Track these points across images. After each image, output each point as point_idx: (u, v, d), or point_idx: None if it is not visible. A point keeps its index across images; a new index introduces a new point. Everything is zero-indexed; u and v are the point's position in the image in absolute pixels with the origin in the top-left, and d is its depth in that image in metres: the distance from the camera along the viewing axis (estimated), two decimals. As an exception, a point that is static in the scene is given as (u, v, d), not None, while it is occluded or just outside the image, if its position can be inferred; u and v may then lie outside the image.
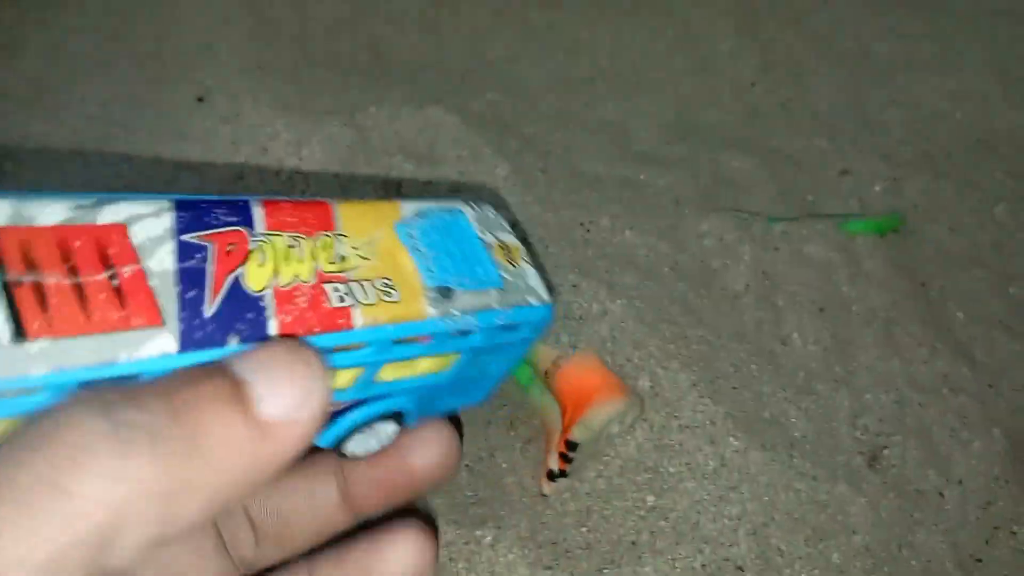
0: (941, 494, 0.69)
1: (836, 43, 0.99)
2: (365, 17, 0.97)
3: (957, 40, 1.00)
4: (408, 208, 0.39)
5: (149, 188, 0.77)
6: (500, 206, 0.73)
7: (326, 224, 0.35)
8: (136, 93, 0.85)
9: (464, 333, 0.37)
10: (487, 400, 0.48)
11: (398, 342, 0.34)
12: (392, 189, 0.73)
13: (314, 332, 0.31)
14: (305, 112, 0.78)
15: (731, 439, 0.65)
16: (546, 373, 0.66)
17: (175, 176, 0.77)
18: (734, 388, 0.69)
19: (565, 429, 0.62)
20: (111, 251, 0.28)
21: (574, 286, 0.68)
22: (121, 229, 0.28)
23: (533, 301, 0.41)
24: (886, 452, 0.70)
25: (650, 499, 0.65)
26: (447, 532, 0.62)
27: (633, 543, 0.63)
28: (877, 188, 0.89)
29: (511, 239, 0.44)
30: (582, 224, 0.74)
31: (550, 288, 0.44)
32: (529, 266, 0.43)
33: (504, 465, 0.67)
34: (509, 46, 0.96)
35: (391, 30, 0.97)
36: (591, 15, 1.01)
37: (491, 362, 0.43)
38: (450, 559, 0.61)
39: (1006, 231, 0.87)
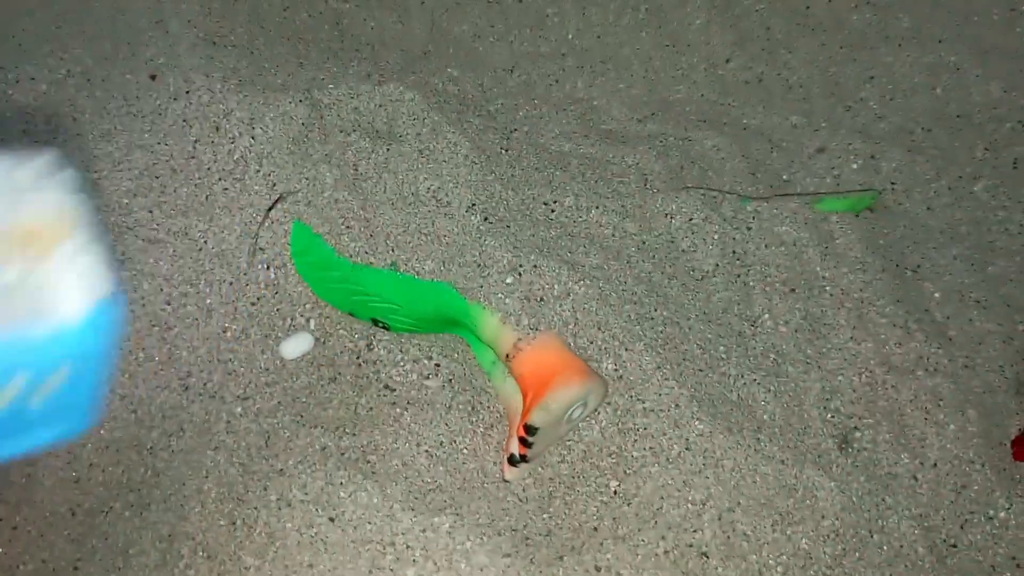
0: (914, 477, 0.67)
1: (811, 15, 0.97)
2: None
3: (934, 12, 0.97)
4: None
5: (99, 168, 0.74)
6: (463, 183, 0.70)
7: None
8: (87, 71, 0.82)
9: None
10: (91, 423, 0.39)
11: None
12: (348, 167, 0.70)
13: None
14: (259, 88, 0.75)
15: (696, 422, 0.63)
16: (507, 356, 0.64)
17: (127, 155, 0.74)
18: (700, 370, 0.67)
19: (525, 413, 0.60)
20: None
21: (535, 267, 0.66)
22: None
23: (69, 305, 0.31)
24: (857, 435, 0.68)
25: (613, 484, 0.63)
26: (403, 519, 0.60)
27: (595, 529, 0.61)
28: (853, 166, 0.87)
29: (53, 215, 0.31)
30: (546, 203, 0.72)
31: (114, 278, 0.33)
32: (76, 253, 0.31)
33: (465, 451, 0.65)
34: (474, 22, 0.93)
35: (352, 5, 0.94)
36: (561, -11, 0.98)
37: (74, 388, 0.35)
38: (407, 546, 0.60)
39: (985, 208, 0.85)
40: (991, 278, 0.81)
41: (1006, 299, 0.80)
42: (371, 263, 0.66)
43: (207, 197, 0.71)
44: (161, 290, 0.69)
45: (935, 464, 0.69)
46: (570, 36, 0.95)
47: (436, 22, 0.94)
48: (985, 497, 0.68)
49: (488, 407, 0.67)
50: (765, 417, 0.66)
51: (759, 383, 0.68)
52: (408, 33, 0.93)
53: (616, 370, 0.64)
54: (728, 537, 0.61)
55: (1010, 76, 0.93)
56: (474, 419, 0.66)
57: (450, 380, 0.68)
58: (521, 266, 0.66)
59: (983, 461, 0.69)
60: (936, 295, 0.79)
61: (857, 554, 0.63)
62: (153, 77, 0.79)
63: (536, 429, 0.60)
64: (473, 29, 0.94)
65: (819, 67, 0.96)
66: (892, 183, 0.87)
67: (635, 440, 0.63)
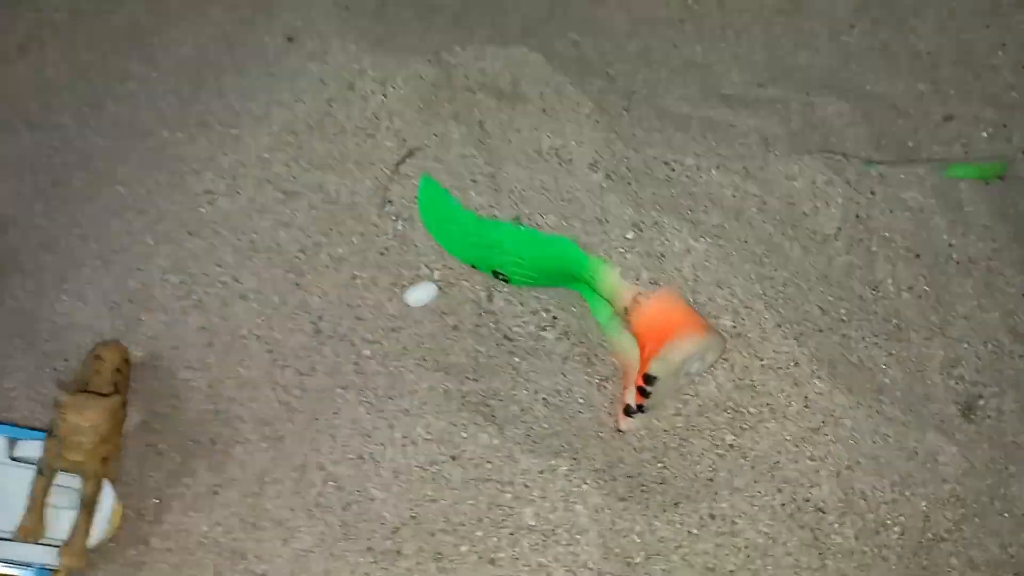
0: (1041, 448, 0.66)
1: (942, -18, 0.94)
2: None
3: (1077, -22, 0.93)
4: None
5: (240, 125, 0.78)
6: (585, 141, 0.72)
7: None
8: (227, 34, 0.87)
9: None
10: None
11: None
12: (474, 124, 0.73)
13: None
14: (390, 50, 0.78)
15: (816, 381, 0.63)
16: (625, 310, 0.65)
17: (266, 113, 0.78)
18: (820, 331, 0.67)
19: (644, 363, 0.62)
20: None
21: (656, 223, 0.67)
22: None
23: None
24: (981, 403, 0.67)
25: (729, 438, 0.64)
26: (521, 460, 0.62)
27: (710, 480, 0.62)
28: (983, 134, 0.85)
29: None
30: (666, 163, 0.73)
31: None
32: None
33: (581, 400, 0.67)
34: (595, -12, 0.94)
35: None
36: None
37: None
38: (525, 486, 0.62)
39: (1123, 179, 0.81)
40: None
41: None
42: (495, 216, 0.68)
43: (341, 152, 0.75)
44: (296, 239, 0.73)
45: (1065, 436, 0.67)
46: (689, 2, 0.95)
47: (556, -11, 0.95)
48: (1118, 472, 0.65)
49: (603, 360, 0.69)
50: (886, 381, 0.66)
51: (880, 347, 0.68)
52: (529, 1, 0.95)
53: (735, 327, 0.65)
54: (845, 494, 0.61)
55: None
56: (589, 371, 0.68)
57: (567, 332, 0.70)
58: (642, 222, 0.67)
59: (1117, 436, 0.67)
60: (1070, 267, 0.76)
61: (977, 520, 0.62)
62: (290, 39, 0.83)
63: (655, 379, 0.61)
64: (592, -5, 0.95)
65: (948, 34, 0.93)
66: (1023, 152, 0.84)
67: (752, 396, 0.64)
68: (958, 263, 0.74)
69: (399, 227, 0.72)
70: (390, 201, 0.72)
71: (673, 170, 0.73)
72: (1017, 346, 0.70)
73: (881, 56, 0.92)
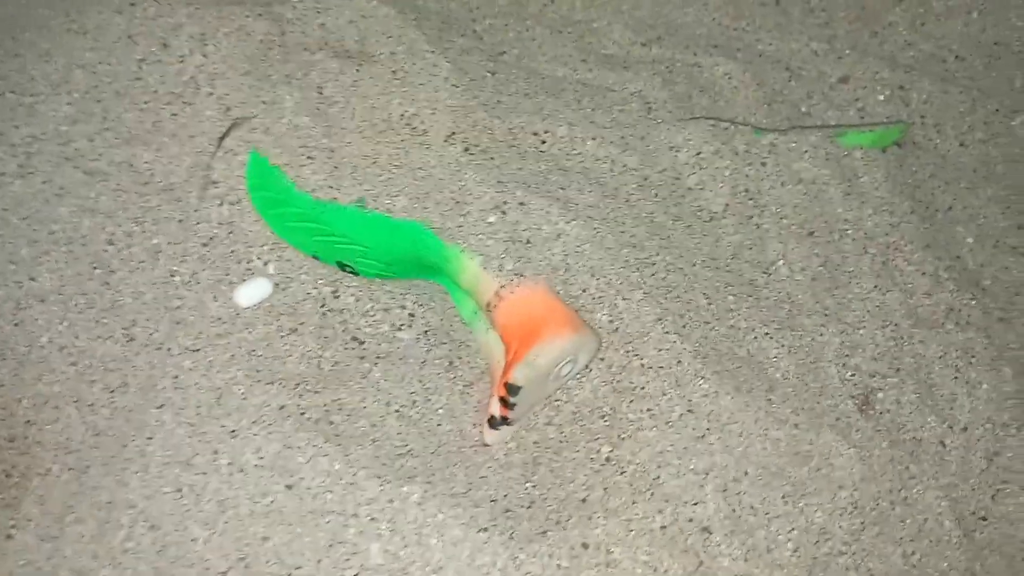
0: (942, 443, 0.61)
1: (837, -69, 0.87)
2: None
3: (973, -73, 0.88)
4: None
5: (38, 91, 0.66)
6: (442, 109, 0.62)
7: None
8: (25, -18, 0.74)
9: None
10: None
11: None
12: (311, 89, 0.62)
13: None
14: (213, 0, 0.67)
15: (700, 381, 0.56)
16: (488, 306, 0.56)
17: (66, 77, 0.66)
18: (706, 322, 0.59)
19: (506, 369, 0.53)
20: None
21: (522, 204, 0.58)
22: None
23: None
24: (879, 395, 0.61)
25: (605, 450, 0.56)
26: (368, 488, 0.53)
27: (583, 500, 0.54)
28: (880, 97, 0.79)
29: None
30: (536, 134, 0.64)
31: None
32: None
33: (441, 411, 0.59)
34: (464, -67, 0.84)
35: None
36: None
37: None
38: (372, 518, 0.53)
39: (1022, 145, 0.77)
40: (1029, 222, 0.74)
41: (1045, 246, 0.72)
42: (336, 199, 0.58)
43: (154, 123, 0.63)
44: (104, 228, 0.62)
45: (965, 428, 0.62)
46: (568, -50, 0.85)
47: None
48: (1020, 464, 0.61)
49: (468, 362, 0.60)
50: (778, 375, 0.59)
51: (771, 337, 0.61)
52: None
53: (611, 322, 0.57)
54: (733, 510, 0.54)
55: (1055, -1, 0.84)
56: (452, 375, 0.59)
57: (425, 332, 0.61)
58: (506, 203, 0.58)
59: (1019, 424, 0.62)
60: (969, 240, 0.72)
61: (877, 528, 0.57)
62: (97, -12, 0.70)
63: (518, 388, 0.53)
64: (461, -58, 0.84)
65: (844, -13, 0.86)
66: (922, 116, 0.79)
67: (631, 401, 0.56)
68: (854, 240, 0.68)
69: (225, 212, 0.61)
70: (214, 182, 0.61)
71: (544, 142, 0.64)
72: (916, 330, 0.64)
73: (774, 11, 0.85)
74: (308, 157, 0.59)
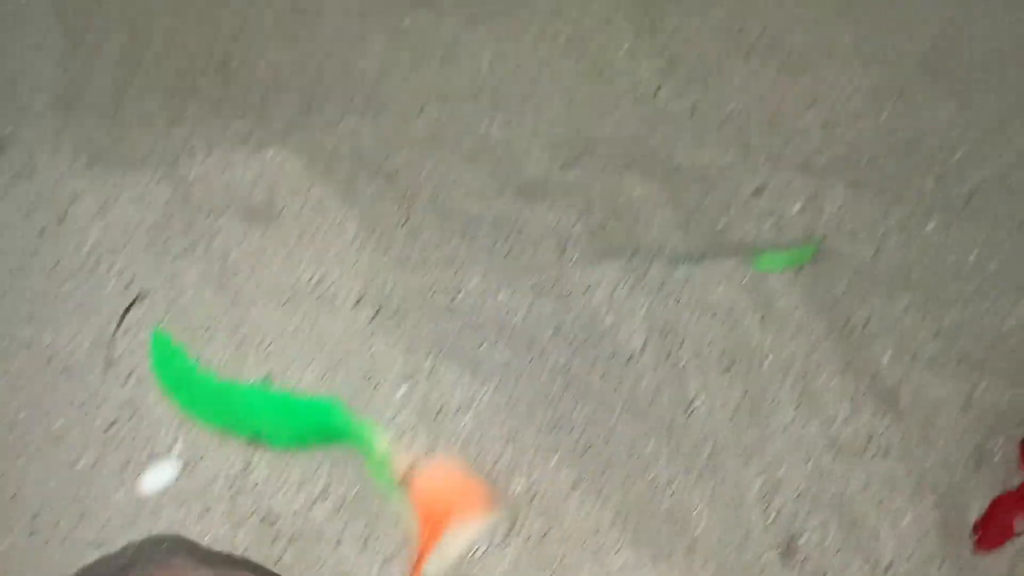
0: (866, 583, 0.61)
1: (745, 35, 0.88)
2: (210, 30, 0.83)
3: (878, 27, 0.89)
4: None
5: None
6: (349, 270, 0.61)
7: None
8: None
9: None
10: None
11: None
12: (215, 258, 0.61)
13: None
14: (115, 163, 0.66)
15: (619, 550, 0.56)
16: (401, 481, 0.55)
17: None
18: (626, 479, 0.59)
19: (418, 560, 0.52)
20: None
21: (432, 372, 0.58)
22: None
23: None
24: (802, 540, 0.61)
25: (528, 626, 0.55)
26: None
27: None
28: (795, 207, 0.79)
29: None
30: (446, 290, 0.63)
31: None
32: None
33: (359, 589, 0.57)
34: (377, 56, 0.83)
35: (243, 45, 0.84)
36: (470, 15, 0.88)
37: None
38: None
39: (937, 250, 0.78)
40: (945, 331, 0.74)
41: (961, 355, 0.73)
42: (240, 377, 0.57)
43: (54, 299, 0.62)
44: (3, 411, 0.60)
45: (890, 565, 0.62)
46: (483, 71, 0.85)
47: (336, 58, 0.84)
48: (945, 601, 0.61)
49: (386, 535, 0.59)
50: (699, 531, 0.59)
51: (692, 486, 0.61)
52: (303, 73, 0.83)
53: (528, 491, 0.57)
54: None
55: (960, 97, 0.86)
56: (368, 552, 0.58)
57: (341, 505, 0.59)
58: (416, 373, 0.57)
59: (942, 557, 0.62)
60: (887, 354, 0.72)
61: None
62: (-4, 150, 0.69)
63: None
64: (377, 65, 0.84)
65: (756, 94, 0.87)
66: (837, 224, 0.79)
67: (551, 574, 0.55)
68: (772, 368, 0.68)
69: (128, 393, 0.60)
70: (115, 360, 0.60)
71: (453, 298, 0.63)
72: (837, 462, 0.64)
73: (689, 121, 0.86)
74: (211, 334, 0.58)
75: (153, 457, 0.58)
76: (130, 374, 0.59)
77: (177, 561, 0.45)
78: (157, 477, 0.57)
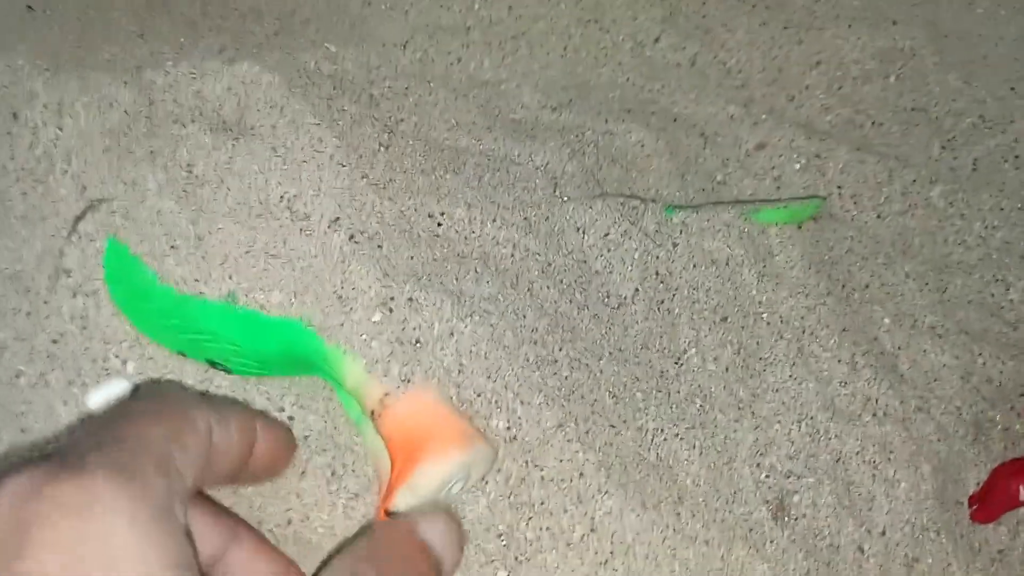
0: (860, 549, 0.57)
1: (753, -10, 0.85)
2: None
3: (889, -10, 0.86)
4: None
5: None
6: (326, 190, 0.57)
7: None
8: None
9: None
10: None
11: None
12: (179, 168, 0.56)
13: None
14: (74, 66, 0.60)
15: (604, 497, 0.52)
16: (373, 413, 0.51)
17: (-97, 147, 0.59)
18: (612, 426, 0.55)
19: (388, 491, 0.48)
20: None
21: (411, 300, 0.53)
22: None
23: None
24: (795, 499, 0.58)
25: (501, 574, 0.51)
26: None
27: (475, 637, 0.49)
28: (796, 166, 0.76)
29: None
30: (431, 215, 0.59)
31: None
32: None
33: (321, 530, 0.53)
34: (365, -14, 0.79)
35: (221, -38, 0.79)
36: (467, -50, 0.84)
37: None
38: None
39: (941, 217, 0.75)
40: (947, 300, 0.71)
41: (963, 325, 0.70)
42: (202, 293, 0.52)
43: (2, 202, 0.57)
44: (-61, 322, 0.55)
45: (884, 532, 0.59)
46: (476, 7, 0.81)
47: (318, -15, 0.79)
48: (939, 571, 0.58)
49: (353, 470, 0.55)
50: (688, 482, 0.55)
51: (682, 438, 0.57)
52: (286, 2, 0.78)
53: (509, 429, 0.52)
54: (639, 642, 0.49)
55: (970, 64, 0.83)
56: (334, 487, 0.54)
57: (306, 436, 0.55)
58: (393, 299, 0.53)
59: (938, 527, 0.59)
60: (886, 320, 0.69)
61: (792, 650, 0.53)
62: (-55, 46, 0.63)
63: (400, 515, 0.47)
64: (362, -5, 0.79)
65: (760, 49, 0.84)
66: (839, 187, 0.76)
67: (530, 518, 0.52)
68: (768, 324, 0.65)
69: (78, 305, 0.55)
70: (66, 270, 0.55)
71: (439, 225, 0.59)
72: (832, 424, 0.61)
73: (688, 73, 0.82)
74: (172, 246, 0.53)
75: (103, 375, 0.53)
76: (81, 286, 0.54)
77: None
78: (106, 396, 0.52)
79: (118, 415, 0.40)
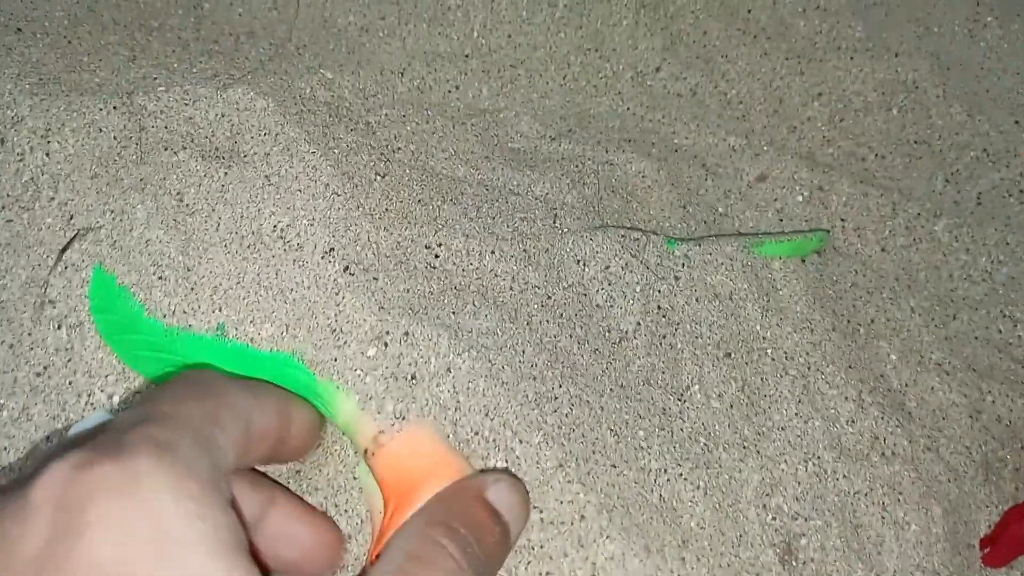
0: (868, 595, 0.55)
1: (752, 20, 0.84)
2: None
3: (888, 19, 0.86)
4: None
5: None
6: (320, 220, 0.55)
7: None
8: None
9: None
10: None
11: None
12: (170, 196, 0.54)
13: None
14: (64, 90, 0.59)
15: (606, 541, 0.50)
16: (367, 452, 0.49)
17: None
18: (613, 465, 0.53)
19: (379, 538, 0.46)
20: None
21: (407, 335, 0.51)
22: None
23: None
24: (803, 541, 0.56)
25: (498, 622, 0.49)
26: None
27: None
28: (798, 198, 0.75)
29: None
30: (428, 247, 0.57)
31: None
32: None
33: (309, 572, 0.50)
34: (363, 13, 0.78)
35: (217, -13, 0.78)
36: (465, -23, 0.83)
37: None
38: None
39: (945, 251, 0.74)
40: (953, 336, 0.70)
41: (970, 362, 0.69)
42: (191, 327, 0.50)
43: (-15, 230, 0.55)
44: (-84, 353, 0.53)
45: (894, 575, 0.57)
46: (475, 34, 0.80)
47: (317, 11, 0.78)
48: (952, 618, 0.56)
49: (347, 510, 0.53)
50: (692, 525, 0.53)
51: (686, 478, 0.55)
52: (282, 24, 0.77)
53: (508, 468, 0.50)
54: None
55: (973, 97, 0.82)
56: (324, 529, 0.51)
57: (297, 472, 0.53)
58: (388, 333, 0.51)
59: (949, 572, 0.57)
60: (892, 357, 0.67)
61: None
62: (-69, 69, 0.62)
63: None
64: (361, 21, 0.78)
65: (761, 80, 0.83)
66: (842, 220, 0.75)
67: (529, 562, 0.49)
68: (773, 360, 0.63)
69: (63, 337, 0.53)
70: (51, 301, 0.53)
71: (436, 256, 0.57)
72: (840, 464, 0.59)
73: (689, 103, 0.81)
74: (159, 276, 0.51)
75: (88, 409, 0.51)
76: (66, 317, 0.52)
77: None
78: (89, 429, 0.50)
79: (157, 397, 0.40)
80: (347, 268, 0.53)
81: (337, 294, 0.52)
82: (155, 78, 0.63)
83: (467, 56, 0.79)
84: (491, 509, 0.45)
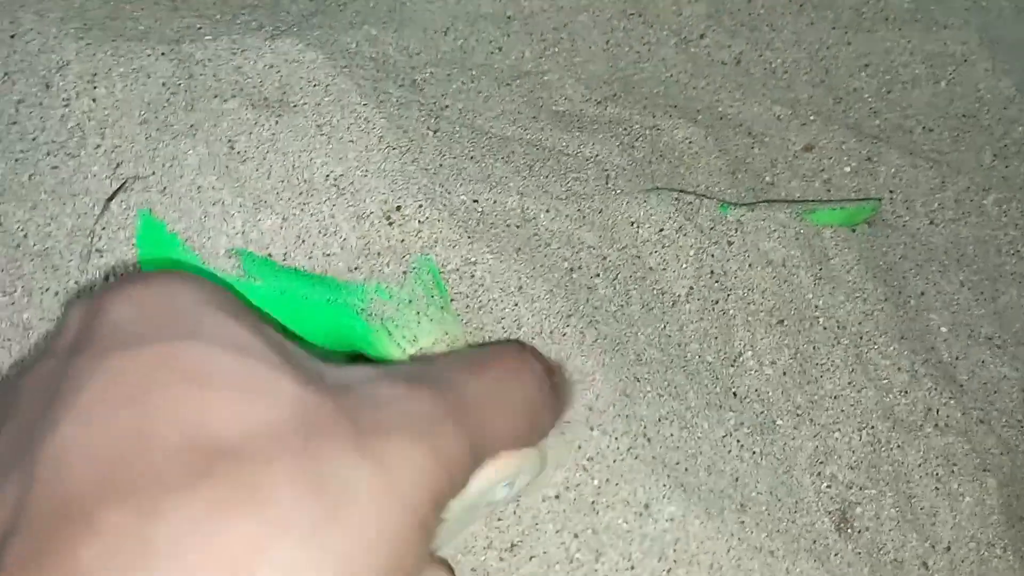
0: (924, 565, 0.54)
1: (800, -10, 0.83)
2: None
3: (939, -6, 0.84)
4: None
5: None
6: (372, 172, 0.54)
7: None
8: None
9: None
10: None
11: None
12: (221, 143, 0.53)
13: None
14: (110, 36, 0.57)
15: (666, 503, 0.49)
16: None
17: (-74, 115, 0.55)
18: (666, 428, 0.52)
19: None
20: None
21: (470, 279, 0.50)
22: None
23: None
24: (858, 510, 0.55)
25: (556, 582, 0.48)
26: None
27: (529, 650, 0.46)
28: (846, 168, 0.74)
29: None
30: (483, 204, 0.56)
31: None
32: None
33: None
34: (404, -29, 0.76)
35: (255, -58, 0.76)
36: (509, -62, 0.82)
37: None
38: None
39: (994, 226, 0.72)
40: (1002, 311, 0.69)
41: (1020, 337, 0.67)
42: (245, 274, 0.49)
43: (30, 177, 0.54)
44: (-40, 299, 0.51)
45: (948, 547, 0.56)
46: (518, -5, 0.78)
47: (355, -32, 0.76)
48: (1008, 591, 0.55)
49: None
50: (750, 490, 0.52)
51: (742, 443, 0.54)
52: (321, -20, 0.75)
53: (563, 434, 0.49)
54: (703, 659, 0.46)
55: (1022, 73, 0.80)
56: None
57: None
58: (450, 273, 0.50)
59: (1004, 544, 0.56)
60: (943, 329, 0.66)
61: (859, 671, 0.50)
62: (-28, 12, 0.60)
63: (440, 521, 0.44)
64: (401, -20, 0.77)
65: (807, 50, 0.81)
66: (891, 191, 0.74)
67: (590, 522, 0.48)
68: (825, 328, 0.62)
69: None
70: (99, 250, 0.52)
71: (492, 212, 0.56)
72: (895, 433, 0.58)
73: (734, 71, 0.80)
74: (211, 225, 0.50)
75: (132, 361, 0.50)
76: (114, 266, 0.51)
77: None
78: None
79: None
80: (406, 219, 0.52)
81: (395, 242, 0.51)
82: (199, 27, 0.61)
83: (509, 18, 0.78)
84: (536, 370, 0.40)
